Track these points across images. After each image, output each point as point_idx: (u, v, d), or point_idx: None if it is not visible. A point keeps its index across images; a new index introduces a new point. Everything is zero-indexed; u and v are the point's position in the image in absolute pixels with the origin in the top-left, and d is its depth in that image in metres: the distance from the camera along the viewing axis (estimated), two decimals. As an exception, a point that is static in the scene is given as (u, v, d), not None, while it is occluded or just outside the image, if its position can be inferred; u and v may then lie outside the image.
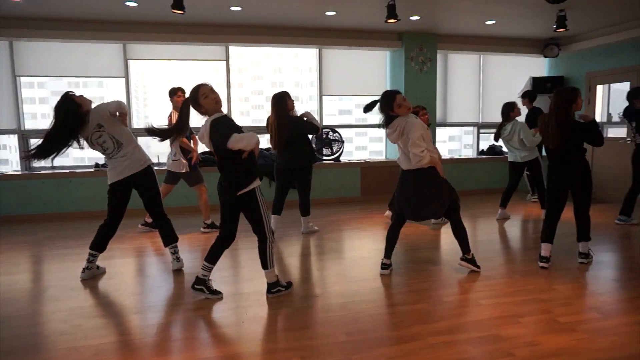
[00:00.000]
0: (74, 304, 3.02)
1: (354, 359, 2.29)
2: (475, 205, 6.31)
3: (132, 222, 4.78)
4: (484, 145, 7.88)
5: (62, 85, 6.76)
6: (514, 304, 2.94)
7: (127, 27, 5.82)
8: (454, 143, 9.03)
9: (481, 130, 7.78)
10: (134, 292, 3.30)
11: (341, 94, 7.19)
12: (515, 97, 7.59)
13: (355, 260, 3.96)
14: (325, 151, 6.97)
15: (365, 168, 6.95)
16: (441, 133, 7.60)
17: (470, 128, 7.85)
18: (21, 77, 5.97)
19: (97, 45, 6.03)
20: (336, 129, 6.98)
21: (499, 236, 4.84)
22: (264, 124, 4.70)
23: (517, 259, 3.99)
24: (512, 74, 7.69)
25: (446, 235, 4.62)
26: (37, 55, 5.94)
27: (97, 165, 6.16)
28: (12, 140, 6.05)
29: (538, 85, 7.33)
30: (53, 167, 6.14)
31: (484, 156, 7.69)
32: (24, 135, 6.00)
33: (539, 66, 7.75)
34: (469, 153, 7.96)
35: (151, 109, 8.13)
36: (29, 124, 6.09)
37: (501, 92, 7.68)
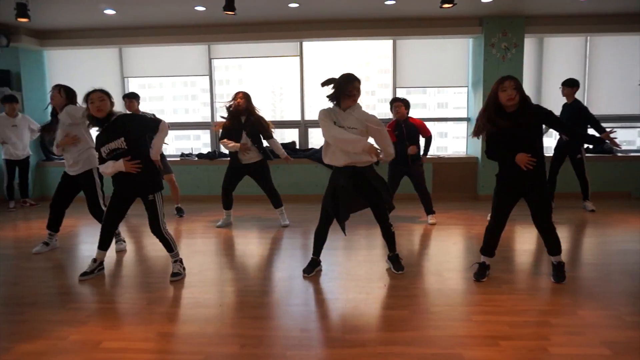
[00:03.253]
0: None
1: (288, 354, 2.27)
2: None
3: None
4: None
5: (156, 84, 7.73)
6: (509, 324, 2.56)
7: (210, 30, 6.41)
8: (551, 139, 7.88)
9: (588, 125, 6.67)
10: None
11: (417, 86, 6.85)
12: (633, 84, 6.39)
13: (371, 258, 3.82)
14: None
15: (438, 164, 6.54)
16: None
17: (573, 122, 6.80)
18: (129, 78, 7.01)
19: (184, 47, 6.76)
20: (409, 123, 6.69)
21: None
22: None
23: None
24: (629, 58, 6.43)
25: (470, 241, 4.15)
26: (140, 59, 6.90)
27: (182, 154, 6.92)
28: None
29: (664, 70, 6.01)
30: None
31: (590, 154, 6.59)
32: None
33: (669, 46, 6.34)
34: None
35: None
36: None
37: (614, 80, 6.50)
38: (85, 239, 4.59)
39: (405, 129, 4.83)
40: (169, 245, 3.35)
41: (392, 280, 3.28)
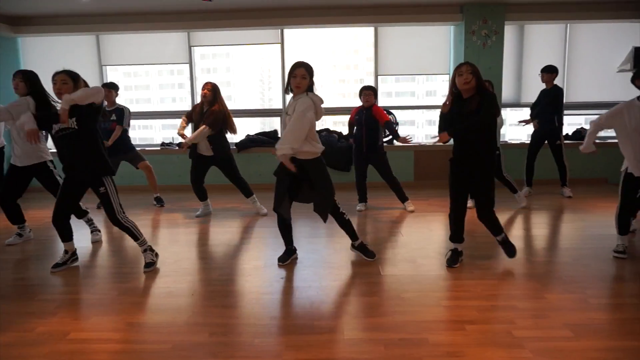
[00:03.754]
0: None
1: (256, 342, 2.28)
2: (544, 195, 5.56)
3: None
4: (569, 129, 6.82)
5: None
6: (477, 309, 2.60)
7: (190, 17, 6.30)
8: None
9: (566, 112, 6.72)
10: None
11: (399, 73, 6.84)
12: (612, 71, 6.45)
13: (348, 246, 3.83)
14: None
15: (419, 152, 6.56)
16: (513, 116, 6.78)
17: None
18: (107, 66, 6.88)
19: (163, 35, 6.64)
20: (391, 111, 6.69)
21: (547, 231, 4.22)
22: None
23: (530, 258, 3.45)
24: (608, 45, 6.48)
25: (448, 229, 4.20)
26: (119, 47, 6.77)
27: (162, 144, 6.85)
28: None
29: (641, 57, 6.06)
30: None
31: (569, 141, 6.66)
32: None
33: (648, 33, 6.40)
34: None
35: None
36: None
37: (594, 66, 6.55)
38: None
39: (365, 115, 4.88)
40: (133, 234, 3.31)
41: (365, 268, 3.30)
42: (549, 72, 5.49)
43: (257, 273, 3.26)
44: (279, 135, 6.85)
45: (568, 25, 6.46)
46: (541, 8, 6.05)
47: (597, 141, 6.51)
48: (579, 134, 6.69)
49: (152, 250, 3.39)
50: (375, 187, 5.50)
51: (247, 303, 2.77)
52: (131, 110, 5.41)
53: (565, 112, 6.72)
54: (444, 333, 2.34)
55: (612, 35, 6.47)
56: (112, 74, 6.83)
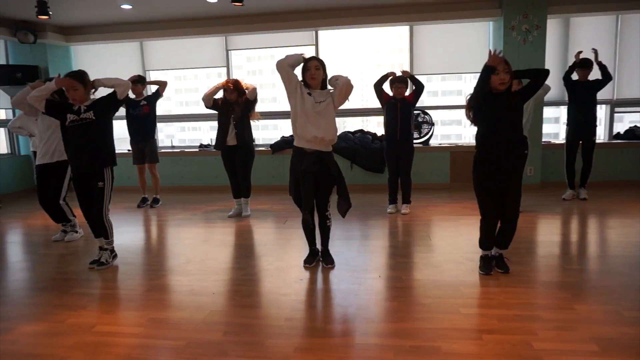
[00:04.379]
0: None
1: (267, 343, 2.31)
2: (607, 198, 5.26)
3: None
4: (620, 128, 6.40)
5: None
6: (499, 317, 2.49)
7: (226, 21, 6.47)
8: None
9: (616, 109, 6.32)
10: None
11: (435, 72, 6.68)
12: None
13: (371, 249, 3.80)
14: (415, 134, 6.62)
15: (455, 153, 6.38)
16: (556, 113, 6.45)
17: (602, 107, 6.44)
18: (150, 71, 7.19)
19: (202, 40, 6.86)
20: (427, 111, 6.56)
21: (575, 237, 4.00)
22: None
23: (564, 266, 3.26)
24: (666, 37, 6.02)
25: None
26: (161, 52, 7.06)
27: (201, 145, 7.07)
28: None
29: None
30: (172, 147, 7.31)
31: (620, 141, 6.26)
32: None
33: None
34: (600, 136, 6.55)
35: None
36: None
37: (648, 60, 6.11)
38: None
39: (400, 104, 4.81)
40: (107, 233, 3.46)
41: (388, 271, 3.27)
42: (584, 67, 5.15)
43: (279, 274, 3.29)
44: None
45: (619, 16, 6.05)
46: (585, -1, 5.71)
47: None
48: (632, 132, 6.26)
49: (113, 252, 3.56)
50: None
51: (265, 304, 2.82)
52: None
53: (616, 109, 6.35)
54: (459, 342, 2.27)
55: (670, 26, 6.01)
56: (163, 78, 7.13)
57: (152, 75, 7.21)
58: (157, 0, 5.55)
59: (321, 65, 3.12)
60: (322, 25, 6.40)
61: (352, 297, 2.87)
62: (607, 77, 5.10)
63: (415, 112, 6.54)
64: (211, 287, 3.08)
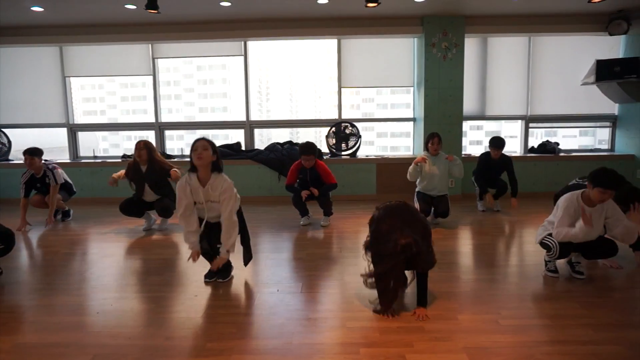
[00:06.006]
0: None
1: (136, 365, 2.19)
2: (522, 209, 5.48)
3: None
4: (534, 142, 6.77)
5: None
6: (381, 330, 2.49)
7: (153, 29, 6.28)
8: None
9: (531, 125, 6.68)
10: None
11: (362, 86, 6.79)
12: (576, 84, 6.40)
13: (273, 262, 3.76)
14: (342, 146, 6.69)
15: (382, 165, 6.49)
16: (474, 128, 6.73)
17: (517, 122, 6.80)
18: (70, 78, 6.86)
19: (127, 47, 6.63)
20: (354, 123, 6.64)
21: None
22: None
23: (461, 276, 3.35)
24: (572, 58, 6.45)
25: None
26: (82, 58, 6.75)
27: (124, 156, 6.80)
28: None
29: (603, 69, 6.00)
30: (95, 157, 6.99)
31: (534, 154, 6.61)
32: (72, 129, 6.92)
33: (611, 45, 6.36)
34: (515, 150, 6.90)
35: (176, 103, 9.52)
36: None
37: (557, 79, 6.52)
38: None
39: (310, 174, 4.86)
40: None
41: (287, 286, 3.21)
42: (497, 147, 5.36)
43: (177, 290, 3.16)
44: (242, 148, 6.80)
45: (531, 38, 6.43)
46: (502, 21, 6.03)
47: (562, 154, 6.48)
48: (544, 147, 6.63)
49: None
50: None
51: (149, 322, 2.68)
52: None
53: (530, 125, 6.71)
54: (335, 357, 2.24)
55: (575, 48, 6.45)
56: (73, 86, 6.79)
57: (72, 82, 6.89)
58: (71, 3, 5.31)
59: (211, 146, 3.07)
60: (250, 35, 6.36)
61: (242, 313, 2.80)
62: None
63: (342, 124, 6.64)
64: (97, 306, 2.91)
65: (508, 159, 5.42)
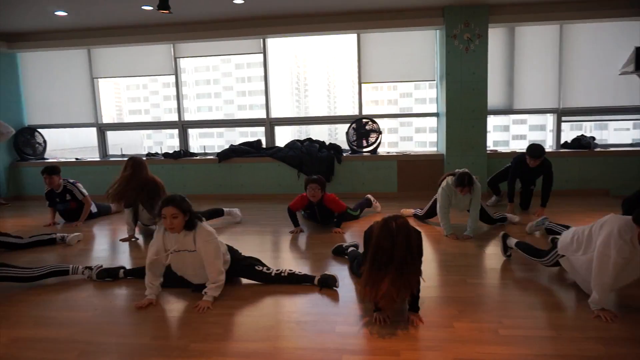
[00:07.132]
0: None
1: (117, 365, 2.21)
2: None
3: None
4: (567, 137, 6.36)
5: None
6: (370, 337, 2.39)
7: (174, 29, 6.39)
8: (535, 133, 7.49)
9: (563, 119, 6.29)
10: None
11: (383, 80, 6.62)
12: (614, 73, 5.95)
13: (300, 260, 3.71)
14: (363, 142, 6.55)
15: (403, 162, 6.31)
16: (503, 122, 6.39)
17: (548, 116, 6.42)
18: (98, 79, 7.09)
19: (150, 47, 6.78)
20: (375, 119, 6.49)
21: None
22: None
23: (467, 280, 3.17)
24: (609, 45, 6.00)
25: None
26: (109, 60, 6.96)
27: (148, 154, 6.96)
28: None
29: (645, 58, 5.53)
30: (122, 155, 7.21)
31: (567, 150, 6.21)
32: (101, 128, 7.17)
33: (653, 32, 5.87)
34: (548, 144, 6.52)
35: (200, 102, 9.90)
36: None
37: (592, 69, 6.09)
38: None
39: (318, 209, 4.61)
40: None
41: (282, 287, 3.16)
42: (535, 157, 4.83)
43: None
44: (263, 146, 6.80)
45: (562, 26, 6.03)
46: (528, 9, 5.69)
47: (598, 150, 6.04)
48: (578, 141, 6.22)
49: None
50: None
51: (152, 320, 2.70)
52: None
53: (563, 118, 6.32)
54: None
55: (612, 34, 5.99)
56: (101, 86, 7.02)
57: (101, 83, 7.12)
58: (95, 8, 5.47)
59: (180, 210, 2.78)
60: (268, 32, 6.34)
61: (233, 314, 2.77)
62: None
63: (363, 120, 6.51)
64: (96, 302, 2.96)
65: (548, 165, 4.86)
